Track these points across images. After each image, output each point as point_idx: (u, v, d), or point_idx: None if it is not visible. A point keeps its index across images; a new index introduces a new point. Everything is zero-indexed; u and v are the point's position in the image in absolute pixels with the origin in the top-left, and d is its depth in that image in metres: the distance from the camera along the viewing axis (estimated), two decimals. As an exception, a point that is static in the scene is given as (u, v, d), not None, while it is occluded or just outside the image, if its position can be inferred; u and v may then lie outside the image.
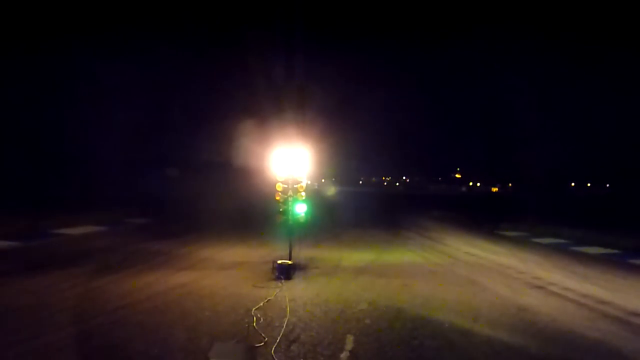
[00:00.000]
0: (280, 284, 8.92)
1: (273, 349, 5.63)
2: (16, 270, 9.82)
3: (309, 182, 11.93)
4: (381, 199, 52.83)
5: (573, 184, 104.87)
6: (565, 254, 14.39)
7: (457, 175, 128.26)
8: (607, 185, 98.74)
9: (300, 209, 10.13)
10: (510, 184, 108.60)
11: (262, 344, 5.78)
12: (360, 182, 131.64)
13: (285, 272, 9.42)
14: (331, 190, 63.31)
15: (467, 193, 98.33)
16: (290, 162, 10.11)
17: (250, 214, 23.76)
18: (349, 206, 38.00)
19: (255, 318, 6.77)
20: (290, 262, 9.72)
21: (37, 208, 21.65)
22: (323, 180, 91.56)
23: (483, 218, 26.03)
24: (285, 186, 10.15)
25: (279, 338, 5.98)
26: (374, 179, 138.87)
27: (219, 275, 9.77)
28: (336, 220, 23.28)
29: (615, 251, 14.80)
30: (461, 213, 30.93)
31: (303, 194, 10.16)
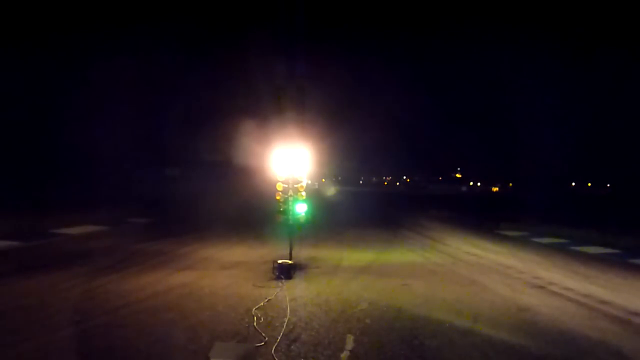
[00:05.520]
0: (280, 284, 8.91)
1: (273, 348, 5.62)
2: (16, 270, 9.82)
3: (309, 182, 11.93)
4: (381, 199, 52.85)
5: (573, 184, 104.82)
6: (565, 253, 14.38)
7: (458, 175, 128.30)
8: (607, 185, 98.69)
9: (301, 209, 10.13)
10: (510, 184, 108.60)
11: (263, 343, 5.78)
12: (361, 182, 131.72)
13: (286, 272, 9.42)
14: (332, 190, 63.33)
15: (468, 193, 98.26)
16: (290, 161, 10.11)
17: (251, 213, 23.76)
18: (350, 206, 38.02)
19: (255, 318, 6.77)
20: (290, 262, 9.72)
21: (37, 208, 21.67)
22: (323, 180, 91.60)
23: (483, 218, 26.03)
24: (286, 186, 10.14)
25: (279, 338, 5.98)
26: (374, 178, 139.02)
27: (219, 275, 9.77)
28: (337, 219, 23.28)
29: (615, 251, 14.80)
30: (461, 213, 30.94)
31: (303, 193, 10.16)
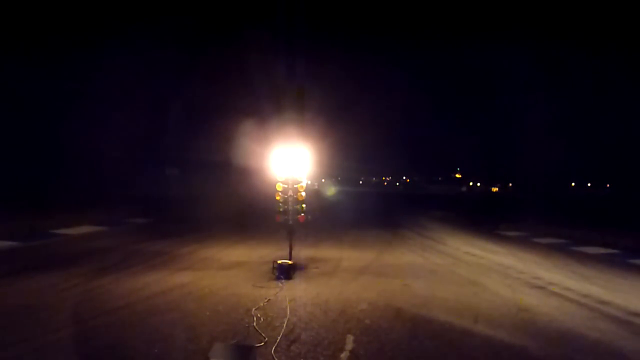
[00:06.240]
0: (280, 284, 8.92)
1: (273, 349, 5.63)
2: (16, 270, 9.82)
3: (309, 182, 11.93)
4: (381, 199, 52.85)
5: (573, 184, 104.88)
6: (565, 253, 14.39)
7: (457, 175, 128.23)
8: (607, 185, 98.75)
9: (301, 210, 10.13)
10: (510, 184, 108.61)
11: (262, 344, 5.78)
12: (361, 182, 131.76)
13: (286, 272, 9.42)
14: (331, 190, 63.39)
15: (467, 193, 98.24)
16: (290, 162, 10.11)
17: (250, 213, 23.76)
18: (349, 206, 38.03)
19: (255, 318, 6.77)
20: (290, 262, 9.72)
21: (37, 208, 21.66)
22: (323, 180, 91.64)
23: (483, 218, 26.04)
24: (286, 186, 10.15)
25: (279, 338, 5.98)
26: (374, 179, 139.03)
27: (219, 275, 9.77)
28: (336, 220, 23.28)
29: (615, 251, 14.81)
30: (461, 213, 30.93)
31: (303, 193, 10.16)
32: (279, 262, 9.58)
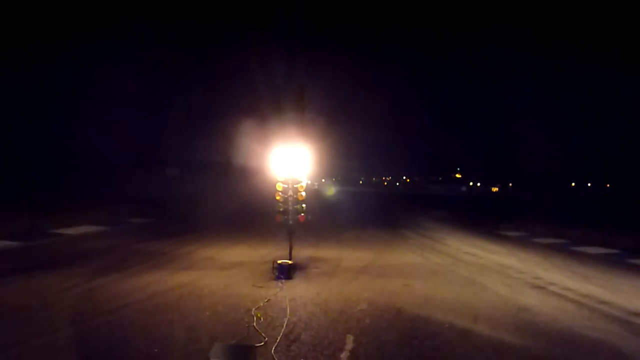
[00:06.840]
0: (280, 284, 8.92)
1: (273, 348, 5.63)
2: (16, 270, 9.82)
3: (309, 182, 11.94)
4: (381, 199, 52.85)
5: (573, 184, 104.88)
6: (565, 253, 14.39)
7: (457, 175, 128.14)
8: (607, 185, 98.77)
9: (301, 210, 10.14)
10: (510, 184, 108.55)
11: (262, 343, 5.78)
12: (361, 182, 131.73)
13: (286, 272, 9.42)
14: (331, 190, 63.43)
15: (467, 193, 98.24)
16: (290, 162, 10.11)
17: (250, 213, 23.76)
18: (349, 206, 38.02)
19: (255, 318, 6.77)
20: (290, 262, 9.72)
21: (36, 208, 21.65)
22: (323, 180, 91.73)
23: (483, 218, 26.03)
24: (286, 186, 10.15)
25: (279, 338, 5.99)
26: (374, 179, 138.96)
27: (219, 275, 9.77)
28: (336, 220, 23.28)
29: (615, 251, 14.80)
30: (461, 213, 30.92)
31: (303, 193, 10.16)
32: (279, 262, 9.58)
